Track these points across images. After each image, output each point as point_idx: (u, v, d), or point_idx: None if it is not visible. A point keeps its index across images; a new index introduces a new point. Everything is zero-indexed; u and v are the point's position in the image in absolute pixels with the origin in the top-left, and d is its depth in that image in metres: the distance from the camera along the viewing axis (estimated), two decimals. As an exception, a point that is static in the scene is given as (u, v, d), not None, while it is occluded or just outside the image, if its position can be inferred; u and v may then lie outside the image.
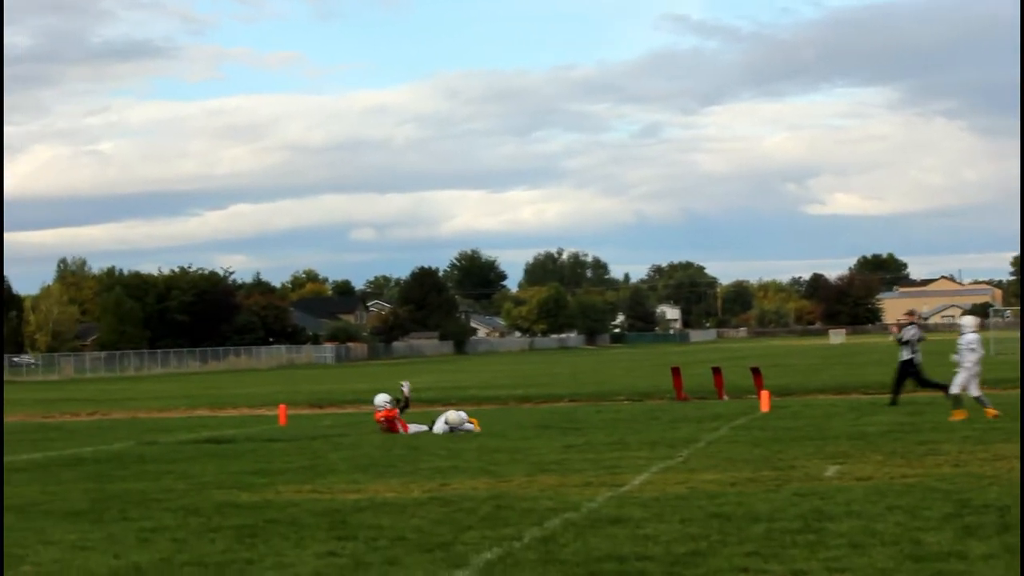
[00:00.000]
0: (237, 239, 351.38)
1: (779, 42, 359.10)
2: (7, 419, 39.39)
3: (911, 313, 34.18)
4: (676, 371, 42.97)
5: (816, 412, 31.26)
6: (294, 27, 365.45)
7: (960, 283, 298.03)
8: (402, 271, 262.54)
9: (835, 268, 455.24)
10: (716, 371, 42.54)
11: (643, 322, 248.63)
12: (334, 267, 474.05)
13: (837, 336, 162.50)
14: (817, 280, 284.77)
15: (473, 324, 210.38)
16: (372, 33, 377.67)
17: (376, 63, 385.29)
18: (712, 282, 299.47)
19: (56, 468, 23.36)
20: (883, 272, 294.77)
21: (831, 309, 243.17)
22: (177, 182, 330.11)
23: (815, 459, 20.17)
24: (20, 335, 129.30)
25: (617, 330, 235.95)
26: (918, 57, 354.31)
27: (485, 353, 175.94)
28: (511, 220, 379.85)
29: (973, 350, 28.19)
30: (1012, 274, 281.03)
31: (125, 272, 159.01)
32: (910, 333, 31.75)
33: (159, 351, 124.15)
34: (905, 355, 31.71)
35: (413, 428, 29.05)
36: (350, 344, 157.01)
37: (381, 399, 29.59)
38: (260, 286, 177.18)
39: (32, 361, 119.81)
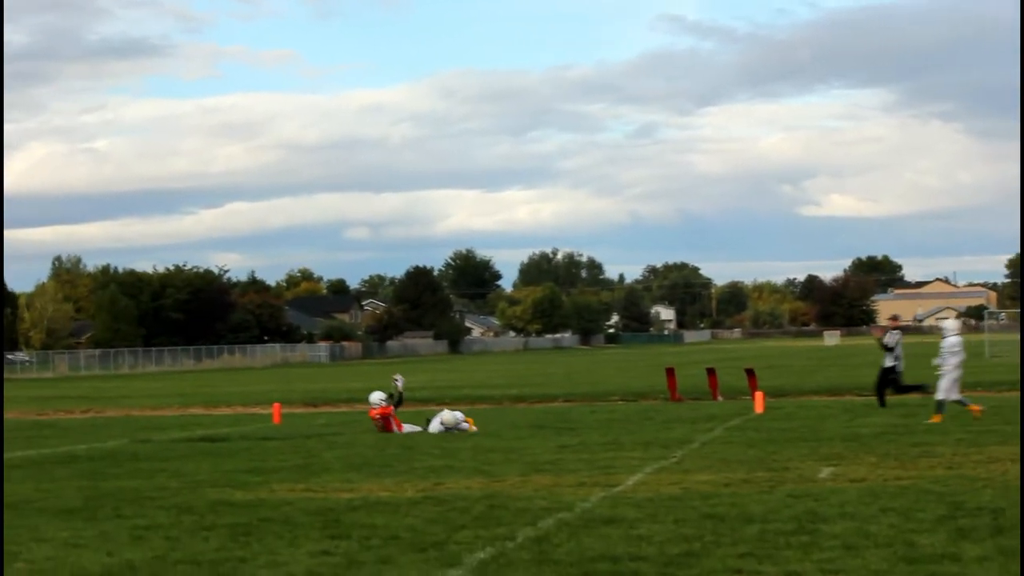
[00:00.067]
0: (232, 237, 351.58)
1: (775, 43, 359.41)
2: (1, 416, 39.34)
3: (895, 319, 34.43)
4: (670, 372, 42.97)
5: (810, 413, 31.28)
6: (290, 26, 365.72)
7: (955, 285, 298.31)
8: (397, 270, 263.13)
9: (830, 270, 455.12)
10: (710, 372, 42.55)
11: (638, 322, 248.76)
12: (329, 266, 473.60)
13: (832, 338, 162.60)
14: (812, 281, 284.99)
15: (468, 324, 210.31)
16: (369, 32, 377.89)
17: (372, 62, 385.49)
18: (707, 283, 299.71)
19: (50, 465, 23.35)
20: (878, 274, 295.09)
21: (826, 311, 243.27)
22: (172, 180, 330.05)
23: (809, 460, 20.18)
24: (15, 332, 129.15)
25: (612, 330, 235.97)
26: (914, 59, 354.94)
27: (479, 353, 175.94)
28: (506, 220, 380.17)
29: (955, 353, 28.33)
30: (1007, 276, 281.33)
31: (120, 270, 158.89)
32: (894, 339, 31.85)
33: (153, 349, 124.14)
34: (888, 362, 31.79)
35: (407, 428, 29.06)
36: (344, 343, 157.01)
37: (376, 396, 29.61)
38: (255, 284, 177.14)
39: (26, 358, 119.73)
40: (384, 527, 14.29)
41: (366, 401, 31.21)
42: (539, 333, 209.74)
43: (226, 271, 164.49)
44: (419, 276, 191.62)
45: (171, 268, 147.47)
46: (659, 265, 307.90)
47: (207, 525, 14.83)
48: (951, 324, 29.46)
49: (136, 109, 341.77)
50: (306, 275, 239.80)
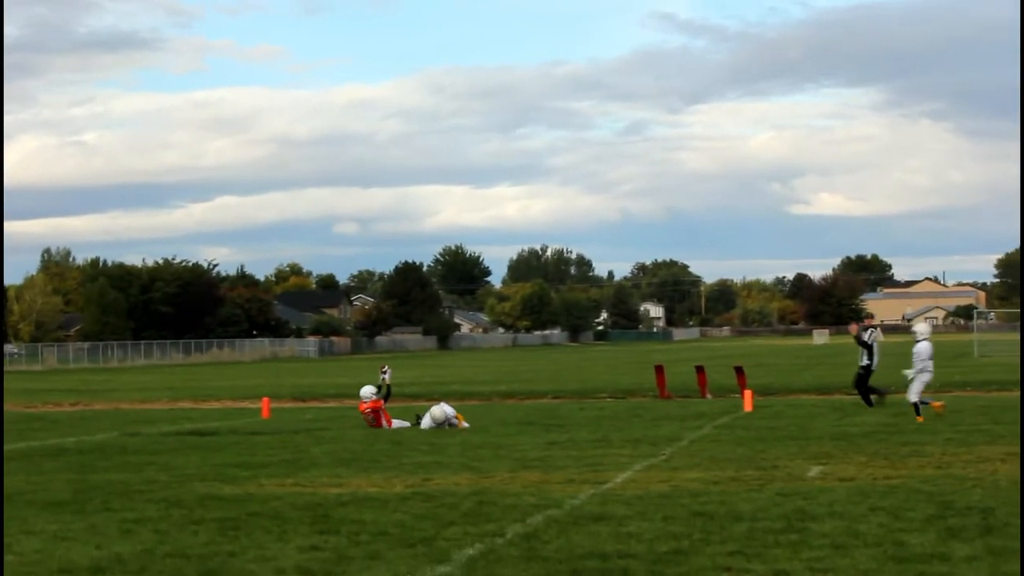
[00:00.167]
0: (221, 231, 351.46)
1: (766, 41, 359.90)
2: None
3: (871, 317, 34.71)
4: (659, 369, 42.96)
5: (799, 412, 31.29)
6: (279, 20, 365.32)
7: (944, 285, 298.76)
8: (386, 266, 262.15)
9: (819, 268, 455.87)
10: (699, 370, 42.55)
11: (626, 320, 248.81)
12: (318, 261, 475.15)
13: (820, 336, 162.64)
14: (801, 280, 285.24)
15: (456, 320, 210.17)
16: (357, 27, 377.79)
17: (361, 57, 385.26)
18: (696, 281, 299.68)
19: (39, 458, 23.32)
20: (867, 273, 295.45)
21: (815, 309, 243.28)
22: (162, 174, 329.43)
23: (798, 459, 20.19)
24: (3, 324, 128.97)
25: (600, 327, 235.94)
26: (904, 58, 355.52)
27: (468, 349, 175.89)
28: (495, 216, 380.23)
29: (927, 359, 28.52)
30: (996, 276, 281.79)
31: (109, 263, 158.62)
32: (872, 336, 32.08)
33: (142, 342, 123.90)
34: (864, 360, 31.98)
35: (396, 424, 29.07)
36: (333, 338, 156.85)
37: (367, 390, 29.66)
38: (244, 279, 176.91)
39: (15, 351, 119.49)
40: (373, 523, 14.28)
41: (356, 396, 31.20)
42: (528, 330, 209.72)
43: (215, 265, 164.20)
44: (408, 272, 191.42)
45: (160, 262, 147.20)
46: (648, 262, 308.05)
47: (196, 519, 14.82)
48: (922, 328, 29.69)
49: (125, 102, 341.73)
50: (295, 270, 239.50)
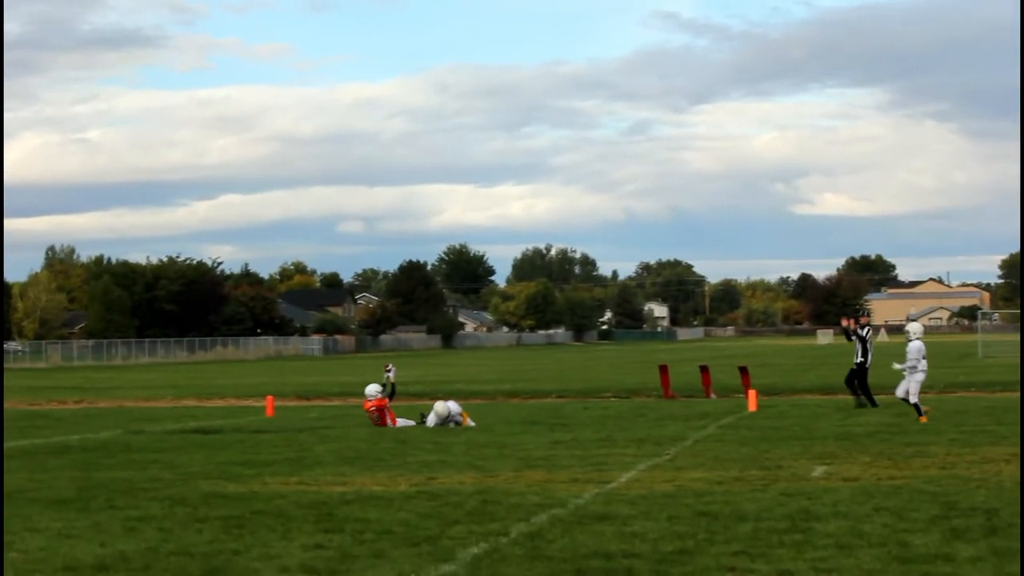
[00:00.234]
0: (225, 229, 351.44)
1: (769, 41, 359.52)
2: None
3: (866, 315, 34.85)
4: (664, 369, 42.96)
5: (803, 412, 31.29)
6: (284, 18, 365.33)
7: (948, 285, 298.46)
8: (390, 264, 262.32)
9: (823, 268, 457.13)
10: (703, 369, 42.54)
11: (631, 319, 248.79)
12: (322, 259, 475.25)
13: (825, 336, 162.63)
14: (805, 280, 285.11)
15: (461, 319, 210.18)
16: (362, 26, 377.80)
17: (367, 56, 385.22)
18: (700, 280, 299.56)
19: (43, 456, 23.33)
20: (871, 273, 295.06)
21: (819, 309, 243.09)
22: (166, 171, 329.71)
23: (802, 459, 20.19)
24: (8, 322, 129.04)
25: (605, 327, 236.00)
26: (908, 59, 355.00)
27: (472, 348, 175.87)
28: (500, 215, 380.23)
29: (919, 358, 28.53)
30: (1000, 277, 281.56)
31: (113, 261, 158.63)
32: (867, 333, 32.28)
33: (146, 340, 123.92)
34: (859, 357, 32.08)
35: (401, 422, 29.09)
36: (338, 336, 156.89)
37: (373, 388, 29.67)
38: (248, 277, 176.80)
39: (19, 348, 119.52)
40: (377, 521, 14.28)
41: (360, 395, 31.20)
42: (532, 329, 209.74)
43: (219, 263, 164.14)
44: (412, 270, 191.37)
45: (164, 259, 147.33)
46: (652, 262, 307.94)
47: (200, 517, 14.82)
48: (915, 328, 29.71)
49: (129, 100, 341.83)
50: (299, 268, 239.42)
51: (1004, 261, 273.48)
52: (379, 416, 29.05)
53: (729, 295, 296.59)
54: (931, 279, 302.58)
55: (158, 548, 12.83)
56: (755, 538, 12.76)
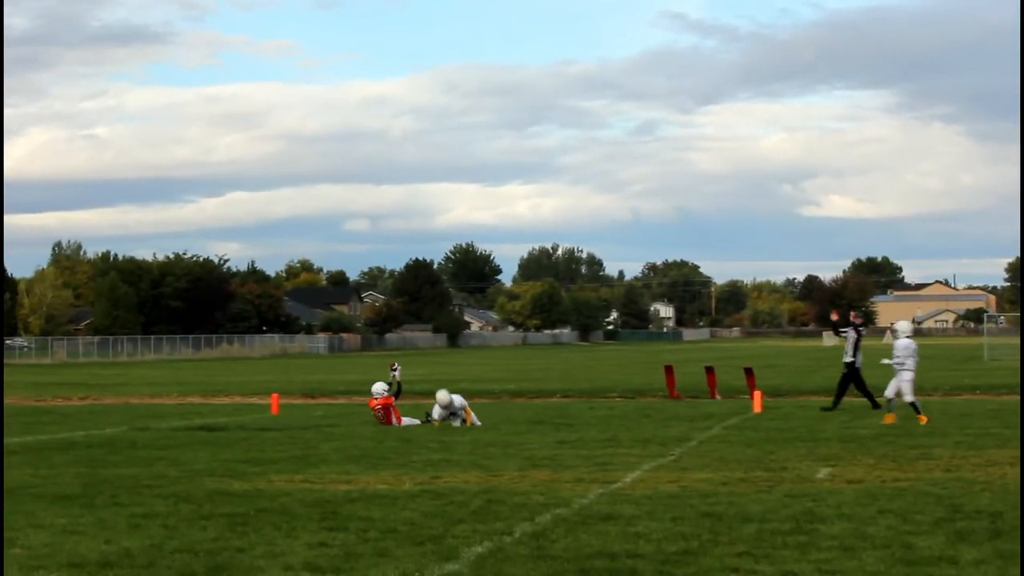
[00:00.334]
0: (232, 227, 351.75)
1: (777, 43, 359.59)
2: (-1, 402, 39.36)
3: (860, 316, 35.02)
4: (669, 369, 42.95)
5: (808, 414, 31.28)
6: (292, 15, 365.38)
7: (954, 288, 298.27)
8: (396, 263, 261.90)
9: (829, 270, 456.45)
10: (709, 370, 42.53)
11: (637, 319, 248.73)
12: (329, 257, 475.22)
13: (830, 338, 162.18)
14: (811, 282, 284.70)
15: (467, 318, 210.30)
16: (370, 24, 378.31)
17: (374, 54, 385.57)
18: (706, 281, 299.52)
19: (48, 452, 23.35)
20: (877, 275, 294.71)
21: (825, 311, 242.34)
22: (173, 168, 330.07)
23: (807, 461, 20.18)
24: (14, 318, 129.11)
25: (610, 327, 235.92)
26: (916, 61, 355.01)
27: (478, 347, 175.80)
28: (506, 214, 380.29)
29: (911, 355, 28.57)
30: (1007, 280, 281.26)
31: (120, 257, 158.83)
32: (858, 331, 32.49)
33: (152, 337, 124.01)
34: (848, 357, 32.23)
35: (406, 421, 29.10)
36: (343, 335, 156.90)
37: (379, 387, 29.71)
38: (254, 274, 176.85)
39: (25, 344, 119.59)
40: (381, 520, 14.29)
41: (366, 393, 31.22)
42: (538, 328, 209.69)
43: (226, 260, 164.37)
44: (419, 269, 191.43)
45: (171, 256, 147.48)
46: (659, 263, 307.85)
47: (205, 514, 14.83)
48: (903, 326, 29.74)
49: (137, 96, 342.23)
50: (306, 266, 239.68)
51: (1010, 264, 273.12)
52: (384, 414, 29.06)
53: (735, 296, 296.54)
54: (937, 281, 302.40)
55: (162, 545, 12.84)
56: (759, 539, 12.76)
